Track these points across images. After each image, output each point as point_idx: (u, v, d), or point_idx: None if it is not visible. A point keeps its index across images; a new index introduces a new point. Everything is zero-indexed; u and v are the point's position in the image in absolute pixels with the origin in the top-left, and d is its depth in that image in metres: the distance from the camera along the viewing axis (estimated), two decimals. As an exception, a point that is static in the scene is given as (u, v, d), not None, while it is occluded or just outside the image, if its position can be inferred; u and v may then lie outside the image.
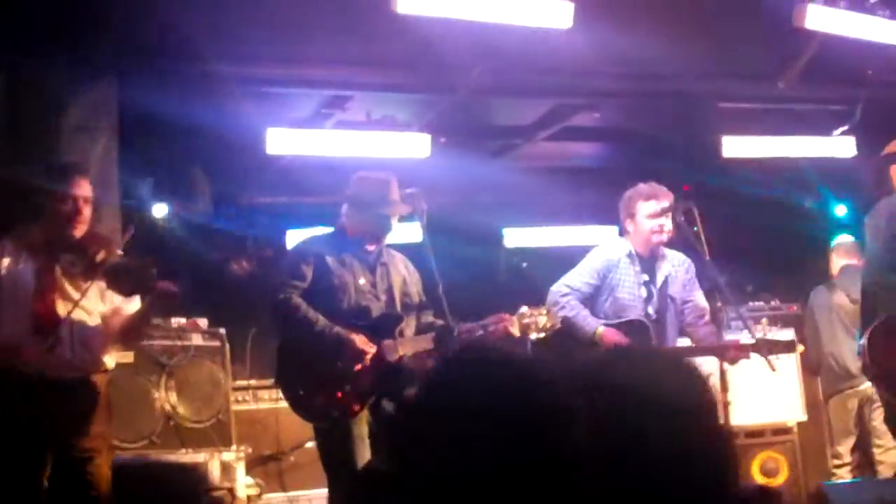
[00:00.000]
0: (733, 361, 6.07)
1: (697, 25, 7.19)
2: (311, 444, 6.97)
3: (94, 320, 5.12)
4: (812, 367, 8.39)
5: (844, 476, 7.99)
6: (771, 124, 8.71)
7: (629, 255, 6.35)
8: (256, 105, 7.34)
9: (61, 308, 4.99)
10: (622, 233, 6.55)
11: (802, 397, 8.30)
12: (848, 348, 7.97)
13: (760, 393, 7.91)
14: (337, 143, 7.83)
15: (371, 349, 5.58)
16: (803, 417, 8.31)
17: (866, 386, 7.68)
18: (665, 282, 6.38)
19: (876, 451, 7.88)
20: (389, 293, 5.84)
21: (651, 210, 6.28)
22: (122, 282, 4.94)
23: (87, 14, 6.20)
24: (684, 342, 6.53)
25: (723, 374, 5.93)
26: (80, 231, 5.03)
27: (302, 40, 6.87)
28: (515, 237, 9.94)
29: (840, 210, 10.15)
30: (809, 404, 8.32)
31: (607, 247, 6.54)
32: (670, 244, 6.42)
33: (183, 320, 6.91)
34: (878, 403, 7.68)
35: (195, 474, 6.43)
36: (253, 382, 7.50)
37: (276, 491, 7.27)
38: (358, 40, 6.93)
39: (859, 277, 7.48)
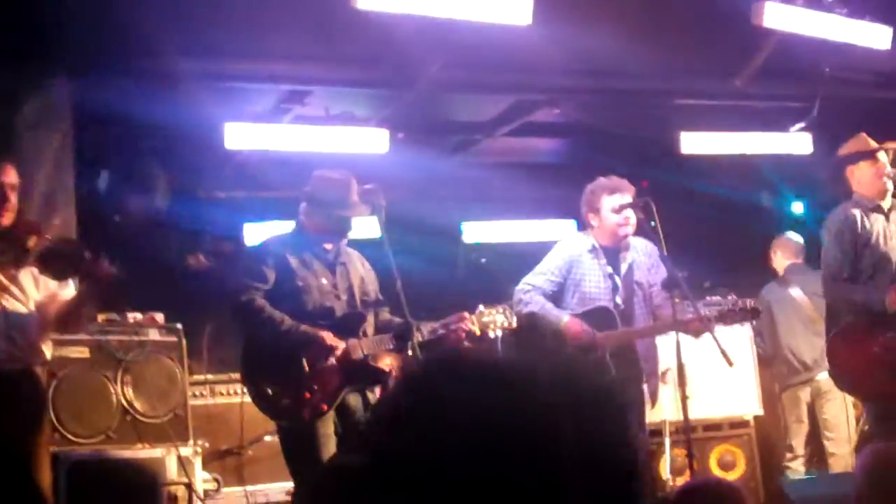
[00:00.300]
0: (697, 334, 6.14)
1: (656, 23, 7.23)
2: (269, 438, 6.97)
3: (28, 308, 5.05)
4: (767, 361, 8.46)
5: (798, 469, 8.07)
6: (729, 121, 8.77)
7: (592, 250, 6.38)
8: (215, 100, 7.31)
9: None
10: (583, 227, 6.58)
11: (759, 391, 8.37)
12: (804, 340, 8.06)
13: (718, 387, 7.96)
14: (295, 138, 7.82)
15: (340, 344, 5.60)
16: (760, 411, 8.38)
17: (820, 378, 7.76)
18: (630, 269, 6.42)
19: (827, 443, 7.96)
20: (350, 292, 5.86)
21: (615, 203, 6.32)
22: (54, 266, 4.87)
23: (42, 12, 6.14)
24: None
25: (681, 368, 5.96)
26: (7, 219, 4.97)
27: (261, 35, 6.85)
28: (474, 232, 9.94)
29: (797, 207, 10.24)
30: (765, 398, 8.39)
31: (568, 243, 6.56)
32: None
33: (139, 315, 6.85)
34: (830, 397, 7.78)
35: (152, 469, 6.40)
36: (210, 377, 7.46)
37: (234, 485, 7.23)
38: (317, 35, 6.91)
39: (809, 274, 7.63)
